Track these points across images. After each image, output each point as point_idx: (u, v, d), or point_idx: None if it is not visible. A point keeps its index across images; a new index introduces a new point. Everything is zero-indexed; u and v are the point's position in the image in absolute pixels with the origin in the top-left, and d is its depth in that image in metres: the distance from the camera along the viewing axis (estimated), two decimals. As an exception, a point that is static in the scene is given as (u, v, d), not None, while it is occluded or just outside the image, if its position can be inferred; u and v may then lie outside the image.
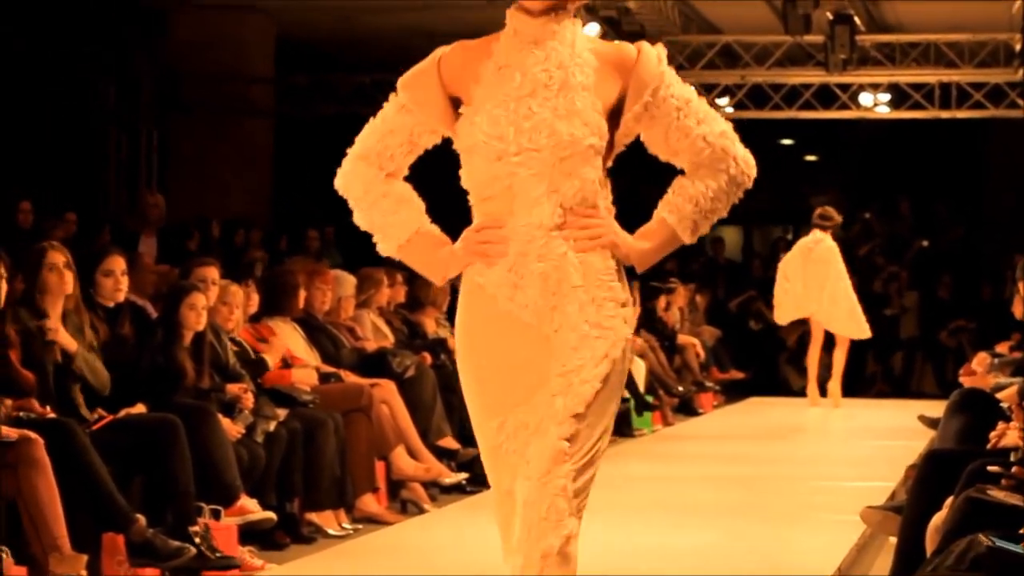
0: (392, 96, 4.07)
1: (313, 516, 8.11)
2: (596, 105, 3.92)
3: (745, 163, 4.02)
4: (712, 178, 3.99)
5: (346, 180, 4.10)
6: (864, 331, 14.72)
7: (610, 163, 4.04)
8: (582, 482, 3.88)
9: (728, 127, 4.03)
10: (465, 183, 4.01)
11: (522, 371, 3.92)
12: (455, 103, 4.01)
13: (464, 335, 4.03)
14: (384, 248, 4.10)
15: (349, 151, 4.11)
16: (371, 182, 4.06)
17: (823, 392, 15.14)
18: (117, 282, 7.59)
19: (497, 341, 3.95)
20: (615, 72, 3.97)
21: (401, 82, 4.07)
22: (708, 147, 3.98)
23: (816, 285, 14.50)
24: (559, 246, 3.91)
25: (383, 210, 4.06)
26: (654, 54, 4.00)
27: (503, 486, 3.99)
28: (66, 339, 6.99)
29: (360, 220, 4.10)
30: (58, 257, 7.05)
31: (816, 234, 14.74)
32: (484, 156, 3.93)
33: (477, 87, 3.95)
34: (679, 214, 4.00)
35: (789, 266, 14.78)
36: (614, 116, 3.98)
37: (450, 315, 10.09)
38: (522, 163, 3.90)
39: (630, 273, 4.05)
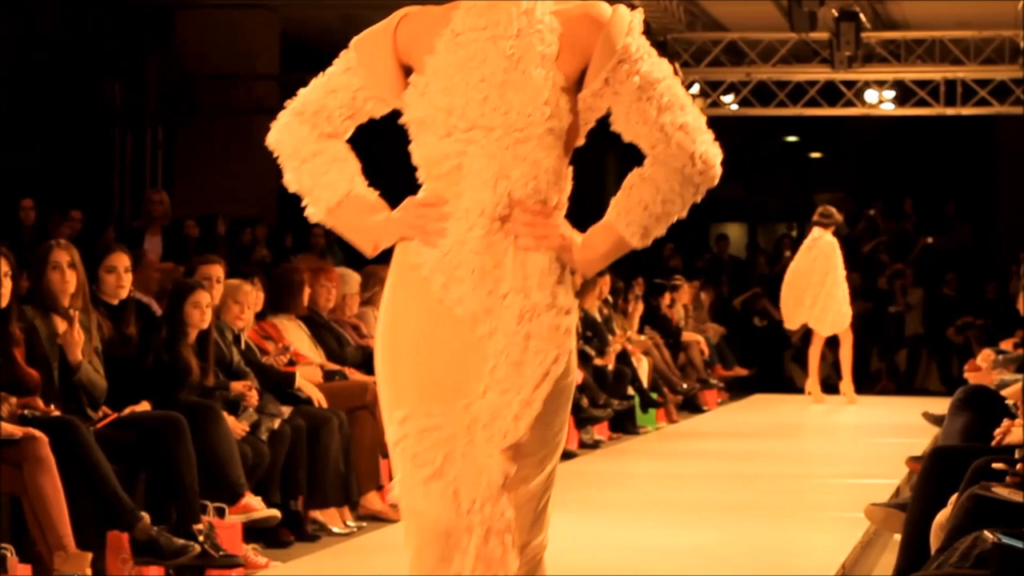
0: (343, 53, 3.69)
1: (318, 514, 8.10)
2: (557, 79, 3.51)
3: (704, 162, 3.52)
4: (665, 178, 3.53)
5: (278, 135, 3.69)
6: (826, 330, 14.75)
7: (582, 141, 3.63)
8: (540, 508, 3.55)
9: (692, 118, 3.54)
10: (415, 159, 3.61)
11: (444, 368, 3.53)
12: (407, 72, 3.61)
13: (389, 318, 3.60)
14: (313, 213, 3.67)
15: (287, 104, 3.72)
16: (303, 140, 3.66)
17: (832, 391, 15.14)
18: (120, 279, 7.57)
19: (424, 330, 3.54)
20: (582, 32, 3.54)
21: (354, 41, 3.68)
22: (664, 140, 3.51)
23: (817, 282, 14.52)
24: (500, 241, 3.52)
25: (313, 170, 3.65)
26: (626, 20, 3.57)
27: (408, 499, 3.55)
28: (73, 348, 6.96)
29: (290, 180, 3.69)
30: (63, 256, 7.03)
31: (816, 231, 14.78)
32: (433, 131, 3.54)
33: (430, 57, 3.56)
34: (627, 219, 3.55)
35: (793, 271, 14.85)
36: (580, 86, 3.56)
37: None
38: (472, 140, 3.50)
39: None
